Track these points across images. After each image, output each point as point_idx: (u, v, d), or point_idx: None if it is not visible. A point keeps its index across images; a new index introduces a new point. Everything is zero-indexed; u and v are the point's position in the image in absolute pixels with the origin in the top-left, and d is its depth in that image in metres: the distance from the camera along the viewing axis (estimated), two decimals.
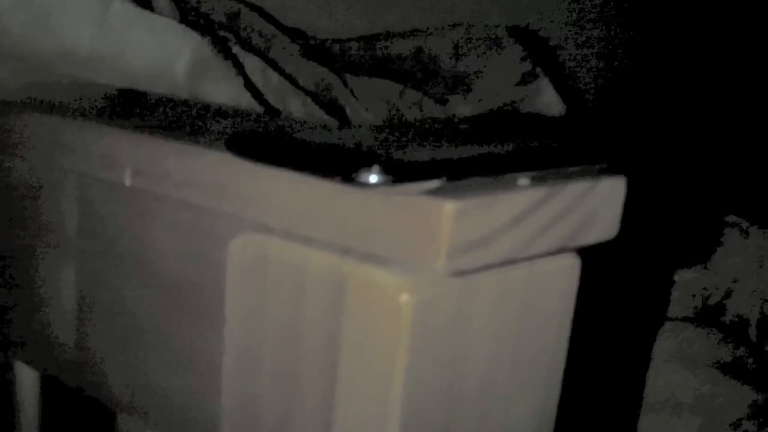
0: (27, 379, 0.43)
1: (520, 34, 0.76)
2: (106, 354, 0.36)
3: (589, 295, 0.30)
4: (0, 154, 0.40)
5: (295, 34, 0.75)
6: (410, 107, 0.67)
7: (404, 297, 0.24)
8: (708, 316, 0.69)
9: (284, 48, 0.66)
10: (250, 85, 0.53)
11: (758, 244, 0.75)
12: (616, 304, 0.60)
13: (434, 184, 0.26)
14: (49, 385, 0.44)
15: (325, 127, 0.33)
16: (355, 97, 0.64)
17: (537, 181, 0.27)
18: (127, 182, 0.32)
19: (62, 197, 0.37)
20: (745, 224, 0.76)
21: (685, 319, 0.65)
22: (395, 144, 0.29)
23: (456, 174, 0.26)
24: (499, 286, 0.27)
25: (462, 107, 0.70)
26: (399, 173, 0.25)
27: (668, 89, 1.37)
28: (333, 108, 0.61)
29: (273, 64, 0.59)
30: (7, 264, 0.41)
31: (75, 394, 0.39)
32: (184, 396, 0.32)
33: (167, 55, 0.52)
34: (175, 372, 0.33)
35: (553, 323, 0.29)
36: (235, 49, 0.56)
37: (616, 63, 1.28)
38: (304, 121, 0.44)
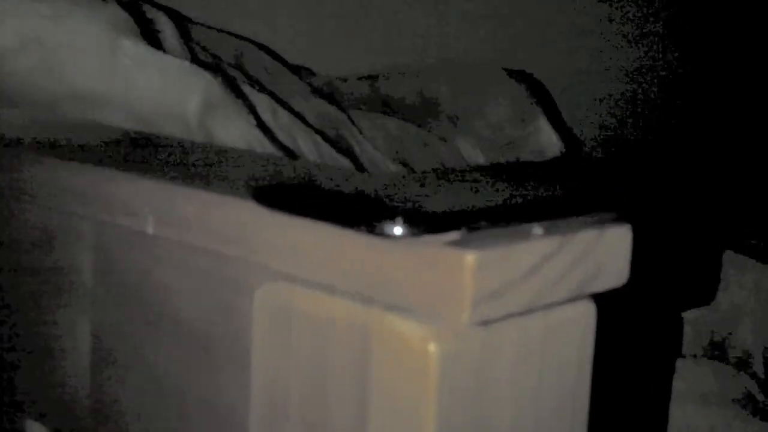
0: None
1: (517, 74, 0.77)
2: (123, 409, 0.35)
3: (607, 341, 0.31)
4: (12, 199, 0.40)
5: (300, 71, 0.76)
6: (416, 144, 0.68)
7: (432, 347, 0.25)
8: (715, 352, 0.69)
9: (291, 86, 0.67)
10: (260, 124, 0.54)
11: (755, 279, 0.76)
12: (633, 348, 0.61)
13: (455, 235, 0.27)
14: None
15: (346, 174, 0.34)
16: (362, 134, 0.65)
17: (549, 230, 0.28)
18: (150, 230, 0.33)
19: (77, 245, 0.37)
20: (741, 259, 0.77)
21: (692, 356, 0.66)
22: (416, 195, 0.29)
23: (474, 225, 0.27)
24: (520, 335, 0.27)
25: (464, 145, 0.71)
26: (422, 225, 0.26)
27: (666, 132, 1.38)
28: (341, 146, 0.62)
29: (281, 102, 0.60)
30: (19, 314, 0.40)
31: None
32: None
33: (178, 96, 0.53)
34: (198, 427, 0.33)
35: (574, 369, 0.29)
36: (245, 88, 0.57)
37: (610, 104, 1.30)
38: (325, 167, 0.44)
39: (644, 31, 1.34)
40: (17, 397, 0.41)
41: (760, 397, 0.63)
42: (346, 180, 0.32)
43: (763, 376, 0.68)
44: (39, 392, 0.39)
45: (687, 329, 0.69)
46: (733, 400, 0.62)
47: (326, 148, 0.58)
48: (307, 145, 0.57)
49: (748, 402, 0.62)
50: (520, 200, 0.30)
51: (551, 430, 0.29)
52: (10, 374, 0.41)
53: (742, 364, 0.69)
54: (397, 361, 0.26)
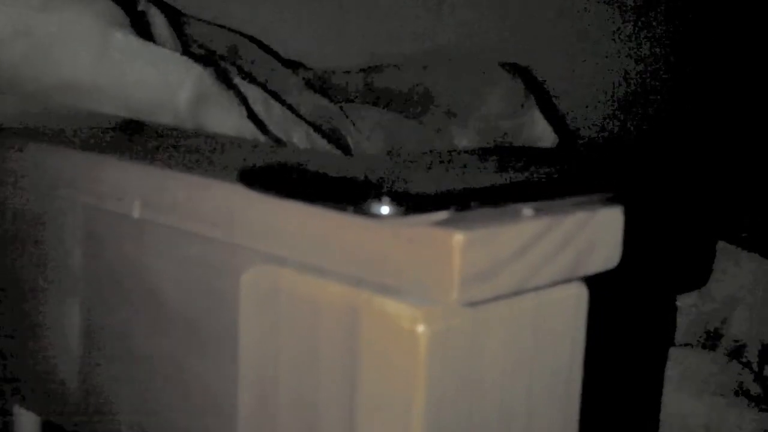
0: (27, 424, 0.42)
1: (511, 67, 0.77)
2: (112, 395, 0.35)
3: (598, 325, 0.31)
4: (1, 185, 0.39)
5: (293, 66, 0.76)
6: (410, 137, 0.67)
7: (421, 328, 0.25)
8: (708, 342, 0.69)
9: (285, 79, 0.66)
10: (252, 116, 0.53)
11: (750, 270, 0.76)
12: (625, 333, 0.61)
13: (443, 215, 0.26)
14: (49, 430, 0.43)
15: (333, 158, 0.34)
16: (355, 127, 0.65)
17: (538, 211, 0.28)
18: (136, 214, 0.32)
19: (66, 230, 0.37)
20: (736, 250, 0.77)
21: (686, 345, 0.66)
22: (404, 176, 0.29)
23: (463, 205, 0.27)
24: (510, 316, 0.27)
25: (459, 137, 0.71)
26: (409, 204, 0.26)
27: (659, 120, 1.38)
28: (335, 138, 0.62)
29: (274, 95, 0.60)
30: (7, 301, 0.40)
31: None
32: None
33: (169, 87, 0.53)
34: (188, 411, 0.32)
35: (566, 352, 0.29)
36: (237, 80, 0.57)
37: (604, 95, 1.30)
38: (312, 152, 0.44)
39: (645, 30, 1.34)
40: (5, 383, 0.40)
41: (753, 386, 0.63)
42: (333, 163, 0.32)
43: (756, 367, 0.68)
44: (28, 378, 0.39)
45: (682, 319, 0.69)
46: (727, 389, 0.62)
47: (319, 140, 0.57)
48: (300, 138, 0.57)
49: (740, 392, 0.62)
50: (509, 181, 0.29)
51: (544, 412, 0.29)
52: None
53: (736, 354, 0.69)
54: (387, 342, 0.25)
